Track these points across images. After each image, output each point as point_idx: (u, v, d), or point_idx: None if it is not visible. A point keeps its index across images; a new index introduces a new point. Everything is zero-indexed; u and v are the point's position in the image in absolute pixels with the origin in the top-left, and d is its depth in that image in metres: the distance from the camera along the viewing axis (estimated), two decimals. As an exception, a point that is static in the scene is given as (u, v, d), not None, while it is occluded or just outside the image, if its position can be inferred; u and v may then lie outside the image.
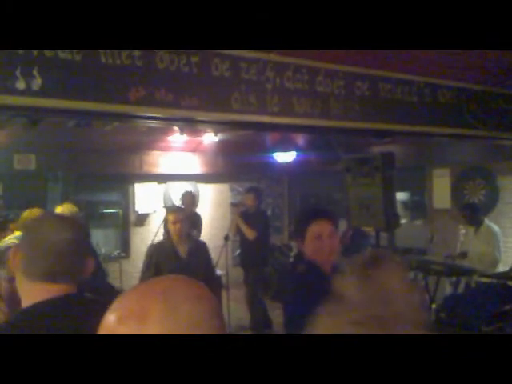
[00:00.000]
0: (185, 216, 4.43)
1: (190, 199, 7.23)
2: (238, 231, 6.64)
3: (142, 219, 8.76)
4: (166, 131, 7.27)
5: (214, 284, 4.39)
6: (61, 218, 1.74)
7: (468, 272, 5.49)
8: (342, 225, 7.27)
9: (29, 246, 1.43)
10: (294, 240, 9.29)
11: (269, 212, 9.42)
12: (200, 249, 4.46)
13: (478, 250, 5.94)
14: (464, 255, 5.95)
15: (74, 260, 1.43)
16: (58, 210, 4.72)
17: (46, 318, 1.33)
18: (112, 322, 0.78)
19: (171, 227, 4.31)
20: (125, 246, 8.70)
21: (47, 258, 1.39)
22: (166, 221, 4.53)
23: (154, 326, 0.75)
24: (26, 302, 1.41)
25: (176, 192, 8.62)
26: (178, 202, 7.65)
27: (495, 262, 5.92)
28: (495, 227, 6.10)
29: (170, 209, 5.47)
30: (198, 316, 0.77)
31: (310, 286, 2.38)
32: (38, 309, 1.36)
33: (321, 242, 2.49)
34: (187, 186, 8.88)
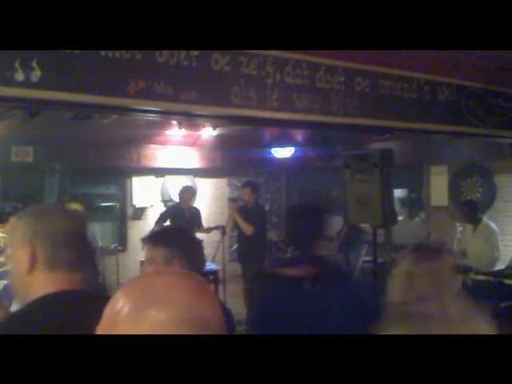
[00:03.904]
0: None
1: (190, 194, 7.21)
2: (236, 226, 6.64)
3: (140, 213, 8.74)
4: (164, 125, 7.24)
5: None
6: (68, 209, 1.78)
7: (464, 270, 5.51)
8: (338, 222, 7.28)
9: (49, 236, 1.41)
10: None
11: (267, 207, 9.42)
12: None
13: (476, 248, 5.95)
14: (463, 254, 5.95)
15: (84, 247, 1.49)
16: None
17: (53, 311, 1.32)
18: (110, 316, 0.79)
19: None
20: (122, 239, 8.69)
21: (72, 245, 1.42)
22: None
23: (147, 320, 0.75)
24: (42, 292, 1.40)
25: (174, 186, 8.60)
26: (176, 197, 7.62)
27: (494, 260, 5.93)
28: (493, 225, 6.11)
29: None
30: (194, 312, 0.77)
31: None
32: (46, 302, 1.34)
33: None
34: (185, 180, 8.87)
